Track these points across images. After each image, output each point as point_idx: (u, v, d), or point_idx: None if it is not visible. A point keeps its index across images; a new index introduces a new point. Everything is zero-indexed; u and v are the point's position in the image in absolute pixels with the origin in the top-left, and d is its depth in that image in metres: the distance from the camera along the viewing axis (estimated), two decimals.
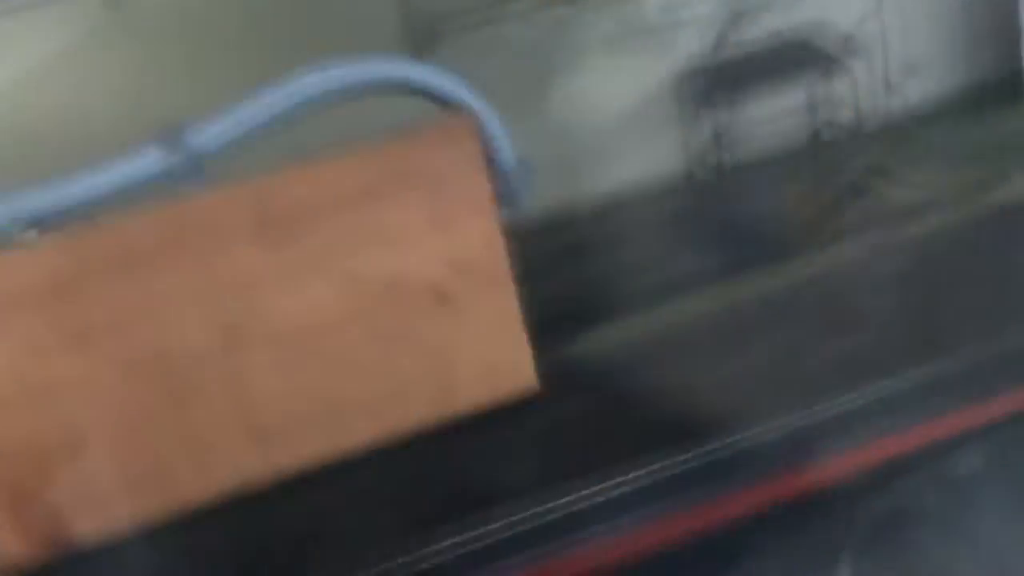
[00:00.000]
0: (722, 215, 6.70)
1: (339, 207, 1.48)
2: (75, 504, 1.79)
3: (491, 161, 2.15)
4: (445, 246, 1.45)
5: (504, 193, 2.10)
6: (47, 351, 1.58)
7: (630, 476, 3.28)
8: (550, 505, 3.12)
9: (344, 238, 1.49)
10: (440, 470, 3.26)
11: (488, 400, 1.52)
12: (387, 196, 1.48)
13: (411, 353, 1.48)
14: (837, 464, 3.83)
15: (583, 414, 3.65)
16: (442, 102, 3.02)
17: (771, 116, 7.56)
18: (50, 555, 1.81)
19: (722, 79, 7.40)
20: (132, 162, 3.07)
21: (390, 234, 1.50)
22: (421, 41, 6.00)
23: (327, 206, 1.61)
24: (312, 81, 3.28)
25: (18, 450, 1.71)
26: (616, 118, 7.17)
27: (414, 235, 1.46)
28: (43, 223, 2.47)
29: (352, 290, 1.47)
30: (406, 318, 1.42)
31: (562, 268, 5.24)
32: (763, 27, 7.47)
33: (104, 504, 1.79)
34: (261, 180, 1.78)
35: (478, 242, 1.36)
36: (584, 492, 3.24)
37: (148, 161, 3.10)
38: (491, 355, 1.45)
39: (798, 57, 7.54)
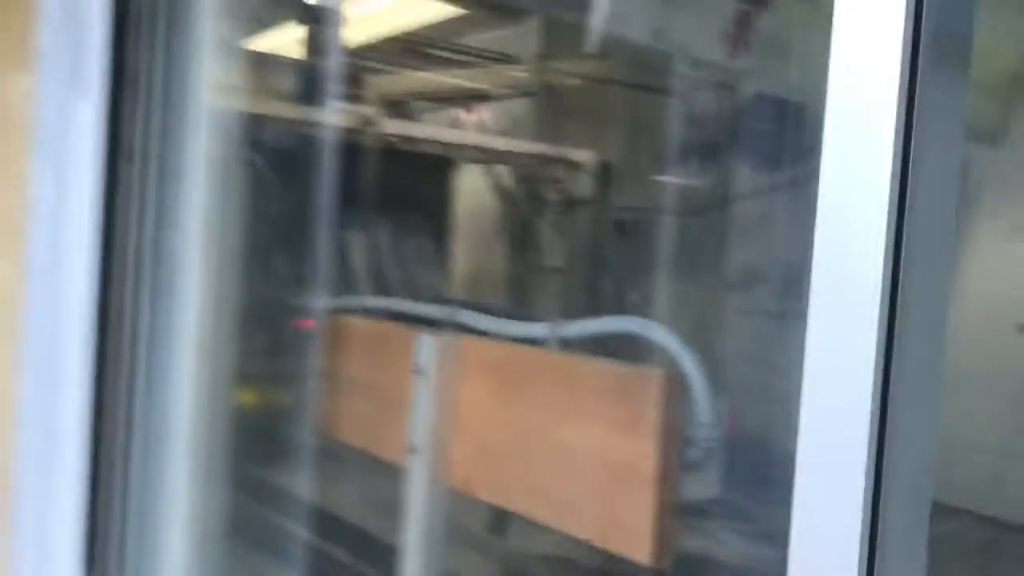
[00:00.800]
0: None
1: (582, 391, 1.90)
2: None
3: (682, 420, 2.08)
4: (627, 447, 1.74)
5: (692, 454, 2.02)
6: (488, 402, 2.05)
7: None
8: None
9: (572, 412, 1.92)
10: None
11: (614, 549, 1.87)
12: (604, 395, 1.82)
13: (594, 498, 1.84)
14: None
15: None
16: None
17: None
18: None
19: None
20: None
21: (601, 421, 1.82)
22: None
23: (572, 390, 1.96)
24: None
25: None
26: None
27: (613, 431, 1.76)
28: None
29: (580, 442, 1.92)
30: (599, 477, 1.79)
31: None
32: None
33: None
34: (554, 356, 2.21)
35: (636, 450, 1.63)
36: None
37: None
38: (631, 528, 1.75)
39: None
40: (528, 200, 7.01)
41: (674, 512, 1.80)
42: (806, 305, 1.03)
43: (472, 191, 7.32)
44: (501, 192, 7.08)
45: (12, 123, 2.65)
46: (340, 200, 2.75)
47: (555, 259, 7.19)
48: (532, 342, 2.19)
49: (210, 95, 2.51)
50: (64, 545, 2.44)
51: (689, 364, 1.85)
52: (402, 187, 5.55)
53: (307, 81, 3.97)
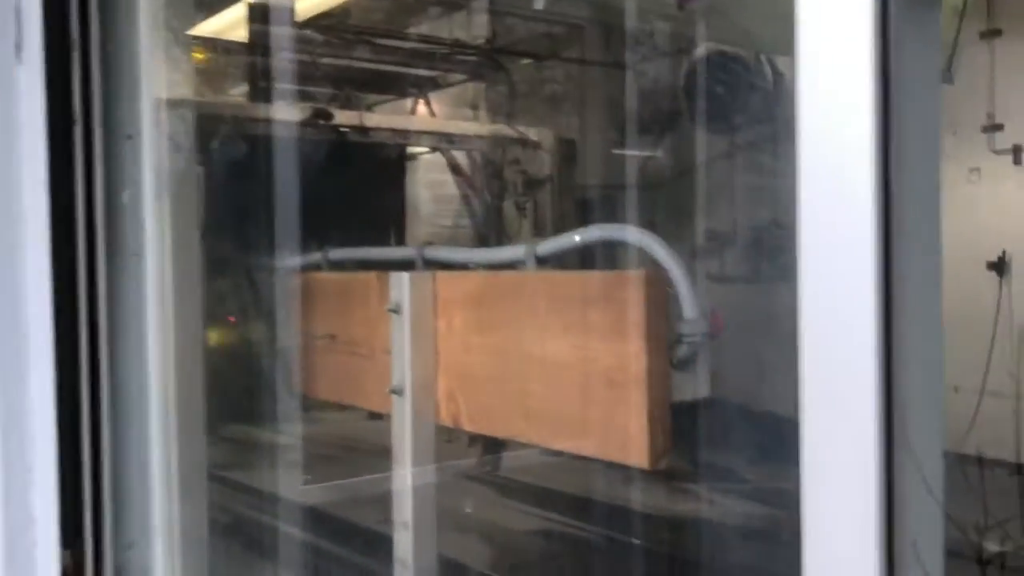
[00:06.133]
0: None
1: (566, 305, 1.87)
2: None
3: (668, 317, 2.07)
4: (615, 350, 1.71)
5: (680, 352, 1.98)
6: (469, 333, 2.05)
7: None
8: None
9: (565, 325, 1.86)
10: None
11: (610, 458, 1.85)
12: (588, 305, 1.78)
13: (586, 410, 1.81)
14: None
15: None
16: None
17: None
18: None
19: None
20: None
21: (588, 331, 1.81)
22: None
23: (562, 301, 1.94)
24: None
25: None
26: None
27: (600, 338, 1.74)
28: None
29: (569, 355, 1.86)
30: (590, 386, 1.75)
31: None
32: None
33: None
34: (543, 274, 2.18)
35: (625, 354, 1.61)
36: None
37: None
38: (625, 433, 1.70)
39: None
40: (488, 183, 6.96)
41: (667, 413, 1.75)
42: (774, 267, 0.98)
43: (432, 180, 7.26)
44: (461, 177, 7.02)
45: None
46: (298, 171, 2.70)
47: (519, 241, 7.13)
48: (510, 267, 2.13)
49: (152, 63, 2.43)
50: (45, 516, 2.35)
51: (671, 262, 1.80)
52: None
53: (257, 60, 3.89)
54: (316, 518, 2.74)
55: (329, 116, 6.10)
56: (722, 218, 7.01)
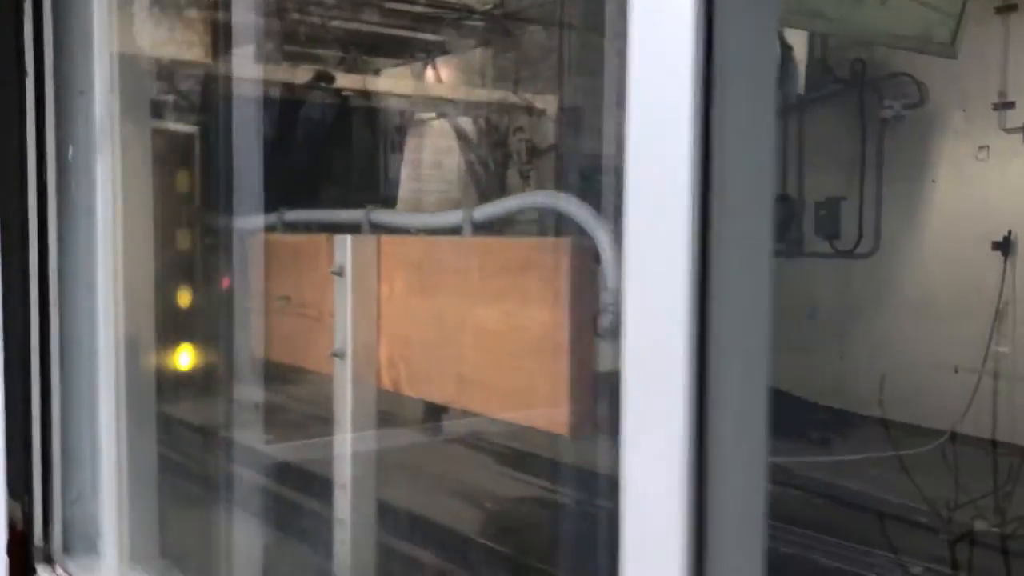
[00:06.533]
0: None
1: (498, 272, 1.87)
2: None
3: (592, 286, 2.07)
4: (541, 318, 1.72)
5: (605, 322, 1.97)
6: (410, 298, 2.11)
7: None
8: None
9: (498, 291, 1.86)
10: None
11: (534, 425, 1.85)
12: (518, 272, 1.78)
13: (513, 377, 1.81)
14: None
15: None
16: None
17: None
18: None
19: None
20: None
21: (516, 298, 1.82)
22: None
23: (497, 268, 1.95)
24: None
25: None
26: None
27: (527, 305, 1.75)
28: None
29: (499, 322, 1.86)
30: (519, 354, 1.76)
31: None
32: None
33: None
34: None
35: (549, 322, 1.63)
36: None
37: None
38: (548, 401, 1.71)
39: None
40: (491, 151, 6.91)
41: (591, 383, 1.73)
42: None
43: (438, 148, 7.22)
44: (465, 144, 6.98)
45: None
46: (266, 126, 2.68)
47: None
48: (452, 232, 2.11)
49: (106, 16, 2.41)
50: None
51: (599, 232, 1.78)
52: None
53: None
54: (277, 475, 2.76)
55: (331, 79, 6.07)
56: None
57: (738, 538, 0.92)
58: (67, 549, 2.35)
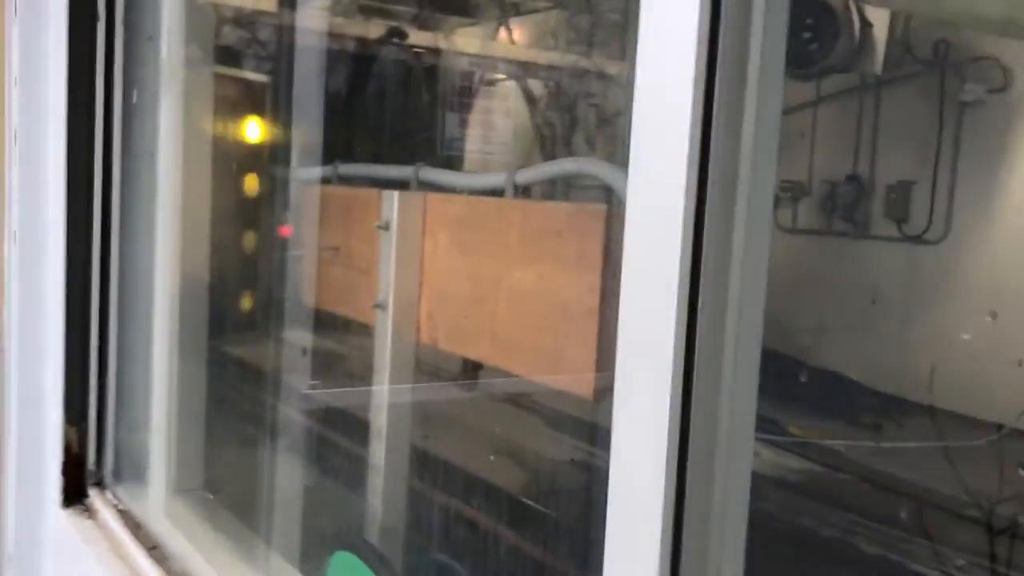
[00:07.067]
0: None
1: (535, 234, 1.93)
2: None
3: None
4: (573, 281, 1.78)
5: None
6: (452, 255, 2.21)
7: None
8: None
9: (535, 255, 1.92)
10: None
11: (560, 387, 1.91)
12: (554, 236, 1.84)
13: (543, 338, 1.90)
14: None
15: None
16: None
17: None
18: None
19: None
20: None
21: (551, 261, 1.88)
22: None
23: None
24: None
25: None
26: None
27: (561, 269, 1.81)
28: None
29: (533, 284, 1.92)
30: (550, 317, 1.82)
31: None
32: None
33: None
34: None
35: (581, 286, 1.66)
36: None
37: None
38: (574, 364, 1.76)
39: None
40: (560, 115, 6.90)
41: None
42: None
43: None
44: (533, 108, 6.97)
45: None
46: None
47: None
48: (493, 194, 2.15)
49: None
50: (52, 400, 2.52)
51: None
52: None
53: None
54: (320, 419, 2.86)
55: (404, 35, 6.11)
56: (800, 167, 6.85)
57: (721, 499, 0.95)
58: (117, 476, 2.48)
